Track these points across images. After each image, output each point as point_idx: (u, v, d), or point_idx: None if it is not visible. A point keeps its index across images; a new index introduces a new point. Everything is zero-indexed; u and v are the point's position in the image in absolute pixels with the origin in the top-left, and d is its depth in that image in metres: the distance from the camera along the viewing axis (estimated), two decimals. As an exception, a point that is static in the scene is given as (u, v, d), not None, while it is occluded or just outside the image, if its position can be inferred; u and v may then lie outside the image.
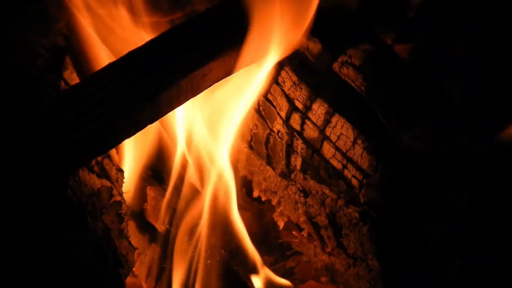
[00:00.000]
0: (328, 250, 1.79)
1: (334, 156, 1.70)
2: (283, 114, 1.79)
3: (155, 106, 1.54)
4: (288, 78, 1.77)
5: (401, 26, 1.75)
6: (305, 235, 1.86)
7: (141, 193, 2.02)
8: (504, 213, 1.55)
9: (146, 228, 2.01)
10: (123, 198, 1.75)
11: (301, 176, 1.78)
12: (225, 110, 1.80)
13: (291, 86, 1.76)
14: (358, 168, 1.66)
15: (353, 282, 1.75)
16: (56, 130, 1.49)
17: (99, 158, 1.73)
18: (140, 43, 1.64)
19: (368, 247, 1.65)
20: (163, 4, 1.87)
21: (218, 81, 1.64)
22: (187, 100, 1.60)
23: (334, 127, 1.69)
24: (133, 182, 1.99)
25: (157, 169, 2.05)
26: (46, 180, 1.50)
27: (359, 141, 1.65)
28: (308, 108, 1.73)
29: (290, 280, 1.91)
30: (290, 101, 1.77)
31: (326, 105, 1.71)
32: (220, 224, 1.85)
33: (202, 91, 1.62)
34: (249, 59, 1.63)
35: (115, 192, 1.71)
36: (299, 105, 1.75)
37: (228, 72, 1.63)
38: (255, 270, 1.84)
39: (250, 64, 1.69)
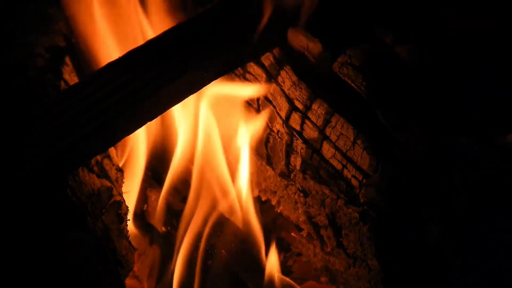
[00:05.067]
0: (328, 250, 1.79)
1: (334, 156, 1.70)
2: (283, 114, 1.79)
3: (154, 104, 1.55)
4: (288, 78, 1.77)
5: (401, 26, 1.75)
6: (304, 235, 1.86)
7: (141, 194, 2.02)
8: (504, 213, 1.55)
9: (147, 229, 2.01)
10: (123, 198, 1.75)
11: (301, 176, 1.78)
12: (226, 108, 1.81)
13: (291, 86, 1.76)
14: (358, 168, 1.66)
15: (353, 282, 1.74)
16: (55, 129, 1.50)
17: (99, 158, 1.73)
18: (140, 42, 1.66)
19: (368, 247, 1.64)
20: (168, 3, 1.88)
21: (217, 78, 1.64)
22: (186, 97, 1.61)
23: (334, 127, 1.69)
24: (133, 183, 1.99)
25: (157, 170, 2.05)
26: (46, 180, 1.51)
27: (359, 141, 1.65)
28: (308, 108, 1.73)
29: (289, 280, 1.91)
30: (290, 101, 1.77)
31: (326, 105, 1.71)
32: (222, 224, 1.85)
33: (201, 88, 1.63)
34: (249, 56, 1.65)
35: (115, 192, 1.71)
36: (299, 105, 1.75)
37: (227, 69, 1.64)
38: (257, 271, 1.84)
39: (250, 61, 1.70)
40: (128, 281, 1.75)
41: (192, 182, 1.89)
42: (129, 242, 1.74)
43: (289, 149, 1.81)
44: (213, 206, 1.87)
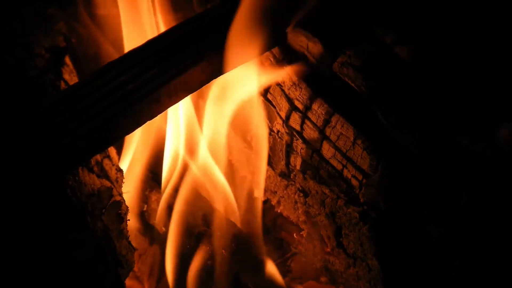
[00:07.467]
0: (328, 250, 1.79)
1: (334, 156, 1.70)
2: (283, 114, 1.79)
3: (154, 103, 1.56)
4: (288, 78, 1.77)
5: (401, 26, 1.75)
6: (304, 235, 1.86)
7: (141, 194, 2.02)
8: (504, 213, 1.54)
9: (148, 229, 2.01)
10: (123, 198, 1.75)
11: (301, 176, 1.78)
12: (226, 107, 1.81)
13: (291, 86, 1.76)
14: (358, 168, 1.66)
15: (353, 282, 1.74)
16: (55, 129, 1.51)
17: (99, 158, 1.73)
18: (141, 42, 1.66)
19: (368, 247, 1.64)
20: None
21: (214, 79, 1.65)
22: (185, 96, 1.62)
23: (334, 127, 1.69)
24: (134, 183, 1.99)
25: (158, 171, 2.05)
26: (46, 179, 1.51)
27: (359, 141, 1.65)
28: (308, 108, 1.73)
29: (289, 280, 1.91)
30: (290, 101, 1.77)
31: (326, 105, 1.71)
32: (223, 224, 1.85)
33: (201, 87, 1.63)
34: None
35: (114, 192, 1.71)
36: (299, 105, 1.75)
37: (225, 69, 1.64)
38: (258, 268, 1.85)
39: (249, 61, 1.71)
40: (129, 281, 1.75)
41: (192, 182, 1.89)
42: (129, 242, 1.74)
43: (289, 149, 1.81)
44: (213, 206, 1.88)
